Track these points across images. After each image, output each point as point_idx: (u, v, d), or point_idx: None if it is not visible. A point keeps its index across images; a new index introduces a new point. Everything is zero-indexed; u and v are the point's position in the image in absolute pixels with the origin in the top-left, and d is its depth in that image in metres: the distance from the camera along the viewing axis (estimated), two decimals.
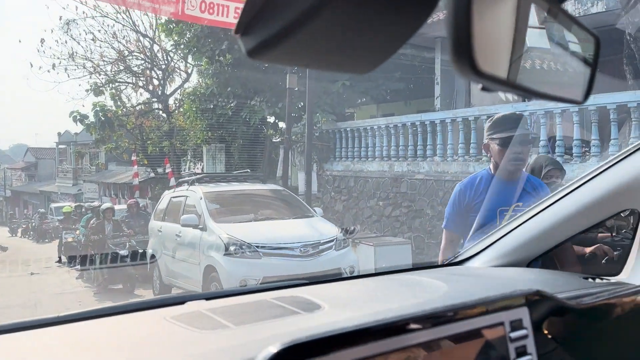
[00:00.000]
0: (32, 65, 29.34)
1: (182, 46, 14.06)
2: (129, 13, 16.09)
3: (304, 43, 0.39)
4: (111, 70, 16.51)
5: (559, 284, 0.96)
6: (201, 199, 6.98)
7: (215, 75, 13.15)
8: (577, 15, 8.26)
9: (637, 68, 7.46)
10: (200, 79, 14.82)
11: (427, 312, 0.72)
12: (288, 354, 0.58)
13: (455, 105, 10.50)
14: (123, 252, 7.91)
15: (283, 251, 6.10)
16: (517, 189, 1.97)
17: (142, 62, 16.50)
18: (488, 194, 1.96)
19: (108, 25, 17.50)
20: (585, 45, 0.69)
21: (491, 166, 2.10)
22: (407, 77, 12.44)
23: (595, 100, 6.90)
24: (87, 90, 16.39)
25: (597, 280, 1.03)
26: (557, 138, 7.46)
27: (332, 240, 6.42)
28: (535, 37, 0.57)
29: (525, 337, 0.76)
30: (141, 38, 16.35)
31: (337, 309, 0.86)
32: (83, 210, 13.17)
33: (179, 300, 0.95)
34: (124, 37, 16.54)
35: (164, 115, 16.63)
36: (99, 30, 19.05)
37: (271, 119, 13.40)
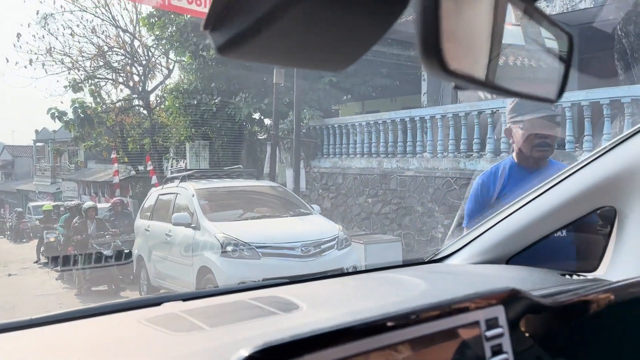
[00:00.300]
0: (8, 61, 28.81)
1: (163, 41, 13.91)
2: (109, 7, 15.87)
3: (275, 40, 0.39)
4: (90, 66, 16.31)
5: (537, 281, 0.98)
6: (193, 196, 6.73)
7: (199, 71, 13.04)
8: (565, 10, 8.37)
9: (628, 63, 7.55)
10: (183, 75, 14.70)
11: (404, 312, 0.72)
12: (260, 357, 0.58)
13: (441, 102, 10.55)
14: (107, 252, 7.74)
15: (283, 251, 5.86)
16: (544, 179, 1.82)
17: (122, 57, 16.32)
18: (513, 185, 1.80)
19: (87, 20, 17.26)
20: (559, 43, 0.70)
21: (514, 154, 1.91)
22: (393, 74, 12.48)
23: (588, 95, 6.95)
24: (65, 87, 16.19)
25: (575, 277, 1.05)
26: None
27: (333, 239, 6.21)
28: (507, 35, 0.57)
29: (500, 335, 0.77)
30: (121, 33, 16.15)
31: (316, 309, 0.86)
32: (62, 209, 12.97)
33: (156, 302, 0.95)
34: (103, 32, 16.34)
35: (145, 112, 16.47)
36: (78, 25, 18.78)
37: (256, 116, 13.34)
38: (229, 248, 5.83)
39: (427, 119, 9.19)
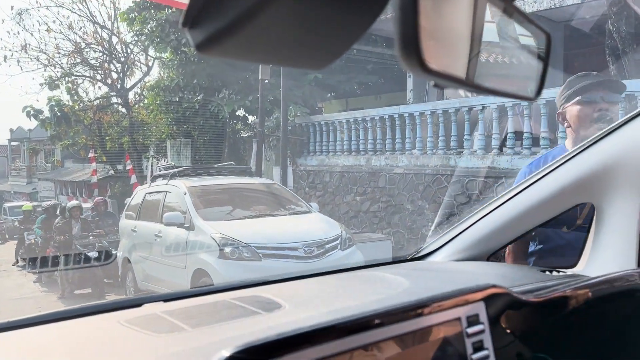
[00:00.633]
0: None
1: (143, 37, 13.75)
2: (86, 3, 15.65)
3: (255, 37, 0.39)
4: (67, 63, 16.08)
5: (517, 277, 1.00)
6: (185, 194, 6.43)
7: (181, 67, 12.93)
8: (552, 7, 8.48)
9: (619, 58, 7.65)
10: (163, 71, 14.57)
11: (385, 310, 0.74)
12: (242, 357, 0.58)
13: (427, 99, 10.59)
14: (92, 254, 7.46)
15: (285, 252, 5.59)
16: None
17: (100, 54, 16.10)
18: None
19: (63, 16, 17.00)
20: (537, 42, 0.71)
21: (567, 142, 1.75)
22: (378, 70, 12.53)
23: None
24: (41, 84, 15.91)
25: (554, 273, 1.08)
26: (542, 130, 7.53)
27: (337, 239, 5.97)
28: (486, 34, 0.58)
29: (481, 332, 0.79)
30: (99, 29, 15.92)
31: (298, 308, 0.87)
32: (39, 210, 12.74)
33: (136, 303, 0.95)
34: (80, 28, 16.10)
35: (124, 110, 16.27)
36: (54, 21, 18.46)
37: (240, 113, 13.27)
38: (228, 249, 5.58)
39: (416, 116, 9.20)
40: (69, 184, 21.46)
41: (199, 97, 12.76)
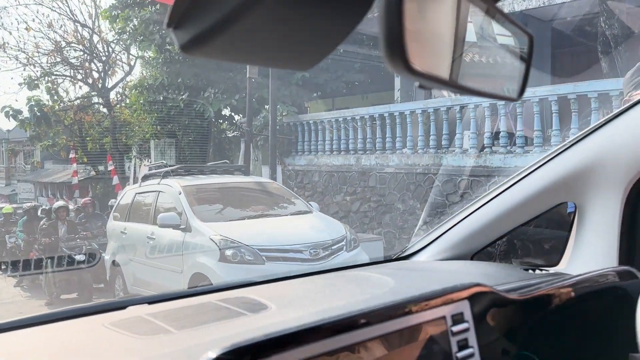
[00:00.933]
0: None
1: (126, 35, 13.64)
2: (66, 1, 15.52)
3: (240, 38, 0.39)
4: (47, 62, 15.89)
5: (501, 276, 1.03)
6: (180, 194, 6.22)
7: (165, 65, 12.85)
8: (542, 5, 8.58)
9: (612, 56, 7.74)
10: (147, 70, 14.47)
11: (371, 309, 0.75)
12: (228, 359, 0.59)
13: (414, 98, 10.64)
14: (79, 257, 7.24)
15: (290, 254, 5.39)
16: None
17: (81, 53, 15.94)
18: None
19: (43, 14, 16.81)
20: (520, 43, 0.73)
21: None
22: (366, 69, 12.56)
23: (575, 88, 7.05)
24: (20, 84, 15.71)
25: (537, 272, 1.11)
26: (535, 128, 7.58)
27: (342, 240, 5.80)
28: (470, 36, 0.60)
29: (466, 330, 0.81)
30: (80, 28, 15.77)
31: (284, 309, 0.89)
32: (20, 212, 12.54)
33: (120, 305, 0.95)
34: (61, 26, 15.94)
35: (105, 109, 16.14)
36: (33, 20, 18.24)
37: (226, 112, 13.22)
38: (229, 252, 5.37)
39: (406, 114, 9.21)
40: (49, 185, 21.20)
41: (183, 96, 12.69)
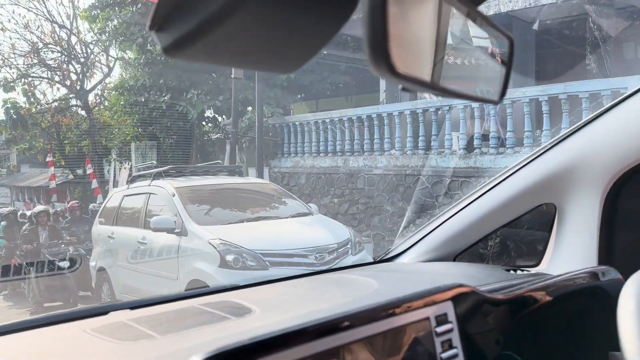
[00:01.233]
0: None
1: (106, 35, 13.55)
2: (44, 1, 15.40)
3: (223, 41, 0.40)
4: (23, 64, 15.72)
5: (483, 277, 1.06)
6: (174, 195, 6.01)
7: (147, 66, 12.77)
8: (528, 6, 8.71)
9: (601, 56, 7.88)
10: (128, 71, 14.37)
11: (355, 312, 0.77)
12: None
13: (400, 99, 10.72)
14: (63, 264, 7.01)
15: (294, 259, 5.22)
16: None
17: (59, 55, 15.80)
18: None
19: (19, 15, 16.64)
20: (500, 46, 0.75)
21: None
22: (351, 71, 12.62)
23: (566, 88, 7.15)
24: None
25: (518, 272, 1.15)
26: (524, 129, 7.68)
27: (347, 243, 5.67)
28: (452, 39, 0.62)
29: (450, 331, 0.84)
30: (57, 29, 15.64)
31: (268, 312, 0.90)
32: None
33: (102, 311, 0.96)
34: (38, 27, 15.79)
35: (84, 112, 16.01)
36: (9, 20, 18.02)
37: (209, 113, 13.18)
38: (230, 257, 5.17)
39: (395, 115, 9.27)
40: (25, 189, 20.92)
41: (165, 98, 12.62)
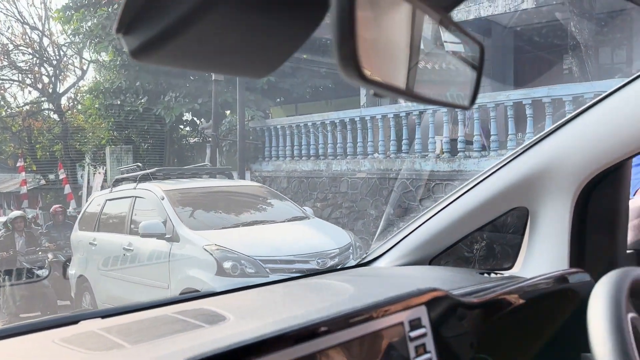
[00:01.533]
0: None
1: (80, 36, 13.41)
2: (14, 2, 15.21)
3: (192, 44, 0.40)
4: None
5: (457, 280, 1.09)
6: (163, 199, 5.81)
7: (123, 68, 12.64)
8: (507, 11, 8.89)
9: (582, 60, 8.06)
10: (103, 73, 14.24)
11: (329, 317, 0.79)
12: None
13: (380, 102, 10.80)
14: (41, 272, 6.50)
15: (296, 265, 5.11)
16: None
17: (30, 57, 15.60)
18: None
19: None
20: (471, 52, 0.78)
21: None
22: (331, 74, 12.68)
23: (549, 92, 7.30)
24: None
25: (492, 275, 1.19)
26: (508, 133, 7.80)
27: (348, 248, 5.59)
28: (423, 45, 0.63)
29: (424, 335, 0.86)
30: (29, 30, 15.45)
31: (243, 319, 0.91)
32: None
33: (72, 320, 0.95)
34: (8, 28, 15.59)
35: (56, 115, 15.82)
36: None
37: (188, 117, 13.10)
38: (228, 264, 4.99)
39: (378, 119, 9.35)
40: None
41: (142, 100, 12.53)
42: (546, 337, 1.04)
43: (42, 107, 16.36)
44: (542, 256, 1.17)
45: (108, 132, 13.49)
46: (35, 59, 15.72)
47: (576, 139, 1.13)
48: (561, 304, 1.05)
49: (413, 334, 0.85)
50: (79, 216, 7.56)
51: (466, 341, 0.93)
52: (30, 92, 16.20)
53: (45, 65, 15.79)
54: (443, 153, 8.38)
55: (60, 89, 15.98)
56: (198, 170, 7.78)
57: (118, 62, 12.73)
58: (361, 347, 0.80)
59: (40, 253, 7.78)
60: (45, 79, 15.76)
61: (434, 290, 0.90)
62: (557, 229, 1.15)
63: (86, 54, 15.09)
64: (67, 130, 15.24)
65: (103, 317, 0.96)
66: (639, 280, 0.74)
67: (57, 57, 15.84)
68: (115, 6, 12.14)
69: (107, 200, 6.88)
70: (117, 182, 7.20)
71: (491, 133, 7.95)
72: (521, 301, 1.00)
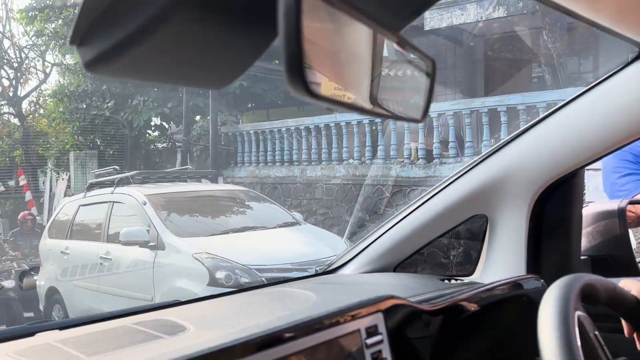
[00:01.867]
0: None
1: (44, 38, 13.18)
2: None
3: (148, 56, 0.41)
4: None
5: (418, 287, 1.15)
6: (145, 204, 5.59)
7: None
8: (479, 19, 9.10)
9: (554, 68, 8.31)
10: (68, 76, 14.00)
11: (289, 325, 0.82)
12: None
13: None
14: (6, 283, 6.54)
15: (293, 274, 4.90)
16: None
17: None
18: None
19: None
20: (424, 67, 0.83)
21: None
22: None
23: (524, 99, 7.51)
24: None
25: (452, 281, 1.24)
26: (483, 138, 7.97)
27: None
28: (375, 62, 0.67)
29: (380, 342, 0.90)
30: None
31: (203, 330, 0.93)
32: None
33: (28, 332, 0.95)
34: None
35: (17, 120, 15.50)
36: None
37: (157, 121, 12.98)
38: (221, 274, 4.77)
39: (353, 124, 9.43)
40: None
41: (109, 104, 12.37)
42: (502, 342, 1.10)
43: (2, 111, 16.01)
44: (501, 262, 1.23)
45: (72, 137, 13.27)
46: None
47: (532, 148, 1.20)
48: (516, 310, 1.11)
49: (370, 341, 0.88)
50: (48, 223, 7.30)
51: (422, 347, 0.97)
52: None
53: (6, 67, 15.47)
54: (418, 159, 8.52)
55: (22, 92, 15.69)
56: (180, 173, 7.62)
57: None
58: (318, 354, 0.83)
59: (7, 262, 7.46)
60: (5, 82, 15.44)
61: (392, 297, 0.94)
62: (514, 236, 1.22)
63: (52, 55, 14.85)
64: (28, 135, 14.93)
65: (60, 328, 0.96)
66: (590, 285, 0.79)
67: (19, 60, 15.54)
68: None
69: (80, 205, 6.61)
70: (91, 187, 6.96)
71: (466, 140, 8.12)
72: (477, 307, 1.05)
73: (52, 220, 7.20)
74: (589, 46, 8.84)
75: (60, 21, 12.46)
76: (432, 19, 9.24)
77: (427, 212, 1.30)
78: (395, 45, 0.77)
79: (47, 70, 15.64)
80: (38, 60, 15.59)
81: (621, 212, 1.26)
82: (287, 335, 0.81)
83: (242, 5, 0.43)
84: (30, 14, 13.00)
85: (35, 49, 14.63)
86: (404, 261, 1.33)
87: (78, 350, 0.84)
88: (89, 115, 12.73)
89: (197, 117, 12.59)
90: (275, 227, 5.86)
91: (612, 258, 1.25)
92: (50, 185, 13.55)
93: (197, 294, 4.61)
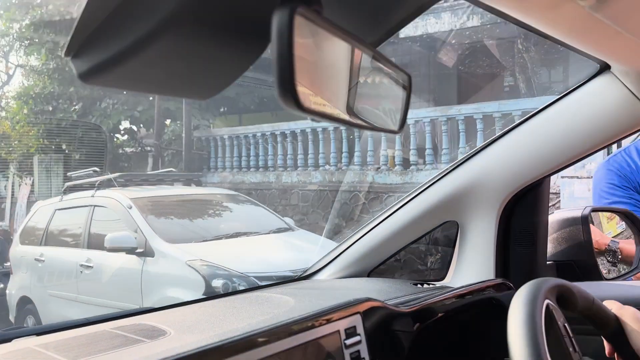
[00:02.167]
0: None
1: (9, 38, 12.93)
2: None
3: (140, 69, 0.43)
4: None
5: (392, 291, 1.21)
6: (131, 208, 5.40)
7: (57, 72, 12.24)
8: (454, 28, 9.32)
9: (529, 76, 8.56)
10: (33, 77, 13.75)
11: (269, 328, 0.87)
12: None
13: None
14: None
15: None
16: None
17: None
18: None
19: None
20: (401, 81, 0.89)
21: None
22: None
23: (500, 107, 7.73)
24: None
25: (425, 286, 1.31)
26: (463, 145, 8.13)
27: None
28: (355, 77, 0.74)
29: (358, 342, 0.96)
30: None
31: (184, 334, 0.96)
32: None
33: (4, 338, 0.96)
34: None
35: None
36: None
37: (126, 125, 12.84)
38: (218, 282, 4.63)
39: (330, 130, 9.52)
40: None
41: (76, 107, 12.20)
42: (472, 344, 1.17)
43: None
44: (471, 267, 1.32)
45: (37, 140, 13.02)
46: None
47: (501, 157, 1.29)
48: (486, 313, 1.19)
49: (348, 341, 0.94)
50: (20, 229, 7.04)
51: (398, 348, 1.04)
52: None
53: None
54: (395, 166, 8.64)
55: None
56: (165, 176, 7.47)
57: (51, 66, 12.35)
58: (299, 355, 0.88)
59: None
60: None
61: (369, 300, 1.01)
62: (483, 242, 1.30)
63: (16, 56, 14.56)
64: None
65: (38, 334, 0.98)
66: (555, 287, 0.86)
67: None
68: (50, 7, 11.80)
69: (56, 209, 6.35)
70: (68, 190, 6.71)
71: (443, 147, 8.30)
72: (448, 310, 1.13)
73: (24, 225, 6.94)
74: (562, 56, 9.15)
75: (27, 21, 12.24)
76: (407, 26, 9.42)
77: (400, 219, 1.37)
78: (372, 61, 0.84)
79: (10, 72, 15.35)
80: (1, 62, 15.30)
81: (584, 219, 1.35)
82: (270, 336, 0.85)
83: (233, 22, 0.46)
84: None
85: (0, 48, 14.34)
86: (378, 266, 1.40)
87: (60, 354, 0.86)
88: (55, 118, 12.54)
89: (168, 121, 12.52)
90: (268, 233, 5.76)
91: (576, 263, 1.34)
92: (12, 190, 13.25)
93: None
